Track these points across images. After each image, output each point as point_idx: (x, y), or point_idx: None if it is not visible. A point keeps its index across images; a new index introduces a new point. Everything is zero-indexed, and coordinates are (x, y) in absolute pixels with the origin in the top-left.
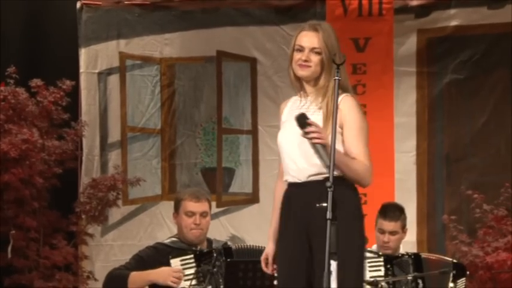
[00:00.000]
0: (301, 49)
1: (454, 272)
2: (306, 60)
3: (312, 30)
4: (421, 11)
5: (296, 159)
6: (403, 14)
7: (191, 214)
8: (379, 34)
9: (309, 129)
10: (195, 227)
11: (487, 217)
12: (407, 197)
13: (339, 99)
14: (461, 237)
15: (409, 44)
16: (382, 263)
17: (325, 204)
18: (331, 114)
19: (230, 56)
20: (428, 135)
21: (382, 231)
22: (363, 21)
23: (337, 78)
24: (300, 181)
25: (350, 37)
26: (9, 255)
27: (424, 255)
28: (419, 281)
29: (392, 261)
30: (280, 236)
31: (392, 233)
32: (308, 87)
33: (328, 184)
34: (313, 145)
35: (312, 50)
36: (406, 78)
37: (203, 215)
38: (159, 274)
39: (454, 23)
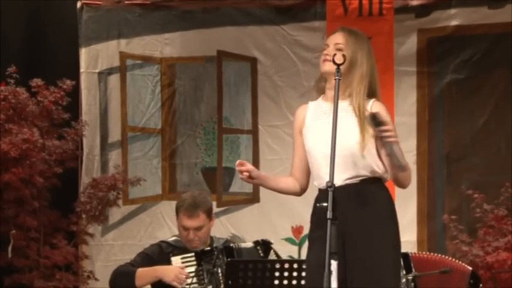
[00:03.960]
0: (326, 47)
1: (472, 281)
2: (327, 55)
3: (339, 30)
4: (422, 11)
5: (329, 164)
6: (403, 14)
7: (185, 228)
8: (379, 34)
9: (384, 127)
10: (191, 240)
11: (488, 217)
12: (407, 196)
13: (369, 104)
14: (462, 237)
15: (410, 44)
16: None
17: (325, 204)
18: (364, 116)
19: (230, 56)
20: (429, 135)
21: None
22: (363, 21)
23: (337, 78)
24: (335, 185)
25: None
26: (10, 255)
27: (431, 255)
28: (412, 282)
29: None
30: (312, 240)
31: None
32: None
33: (329, 184)
34: (386, 144)
35: (335, 45)
36: (406, 78)
37: (198, 229)
38: (165, 272)
39: (454, 22)
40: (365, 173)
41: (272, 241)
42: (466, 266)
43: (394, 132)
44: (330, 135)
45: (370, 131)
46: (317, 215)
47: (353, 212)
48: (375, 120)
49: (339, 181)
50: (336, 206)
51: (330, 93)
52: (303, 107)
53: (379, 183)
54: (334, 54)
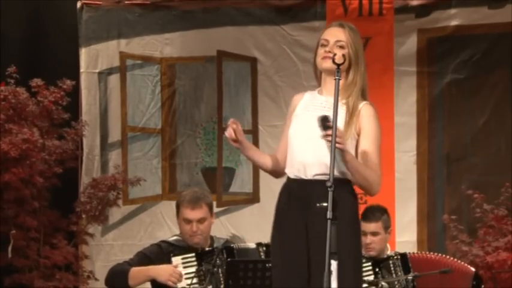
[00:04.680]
0: (325, 43)
1: (474, 282)
2: (329, 52)
3: (337, 26)
4: (422, 11)
5: (305, 155)
6: (403, 14)
7: (188, 221)
8: (379, 34)
9: (329, 132)
10: (193, 233)
11: (487, 217)
12: (407, 196)
13: (360, 106)
14: (462, 237)
15: (410, 44)
16: (370, 267)
17: (325, 204)
18: (355, 113)
19: (230, 56)
20: (429, 135)
21: (364, 233)
22: (363, 21)
23: (337, 78)
24: (305, 178)
25: None
26: (10, 255)
27: (433, 255)
28: (411, 282)
29: (380, 264)
30: (277, 233)
31: (373, 233)
32: (332, 83)
33: (329, 184)
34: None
35: (336, 42)
36: (406, 78)
37: (200, 221)
38: (159, 271)
39: (454, 22)
40: (335, 172)
41: None
42: (468, 266)
43: (341, 139)
44: (313, 128)
45: (353, 131)
46: (282, 206)
47: (318, 210)
48: (323, 123)
49: (308, 175)
50: (301, 199)
51: (326, 88)
52: (299, 95)
53: (347, 186)
54: (335, 54)
